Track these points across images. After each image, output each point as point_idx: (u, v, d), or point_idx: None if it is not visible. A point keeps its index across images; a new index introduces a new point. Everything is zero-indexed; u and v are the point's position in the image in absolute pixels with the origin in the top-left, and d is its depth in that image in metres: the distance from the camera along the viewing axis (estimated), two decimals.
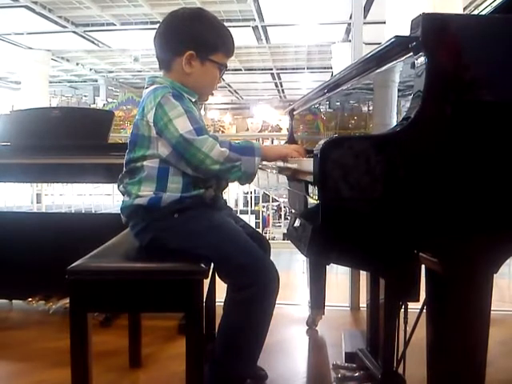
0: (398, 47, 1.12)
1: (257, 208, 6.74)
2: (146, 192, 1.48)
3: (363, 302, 2.53)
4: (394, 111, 1.26)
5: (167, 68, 1.57)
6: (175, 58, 1.54)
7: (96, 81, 17.65)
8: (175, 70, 1.55)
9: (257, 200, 7.02)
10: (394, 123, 1.18)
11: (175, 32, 1.56)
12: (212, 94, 1.68)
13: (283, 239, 5.90)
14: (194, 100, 1.56)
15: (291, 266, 3.85)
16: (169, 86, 1.49)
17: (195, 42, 1.53)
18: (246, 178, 1.46)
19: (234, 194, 6.97)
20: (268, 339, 1.46)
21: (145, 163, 1.48)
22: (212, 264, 1.43)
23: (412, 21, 1.03)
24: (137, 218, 1.51)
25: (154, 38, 1.59)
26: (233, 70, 14.79)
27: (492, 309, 1.05)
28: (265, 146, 1.57)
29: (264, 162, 1.67)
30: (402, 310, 1.41)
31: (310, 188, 1.24)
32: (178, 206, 1.47)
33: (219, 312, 1.53)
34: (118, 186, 1.58)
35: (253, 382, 1.64)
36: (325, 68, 14.53)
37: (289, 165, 1.46)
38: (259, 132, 17.33)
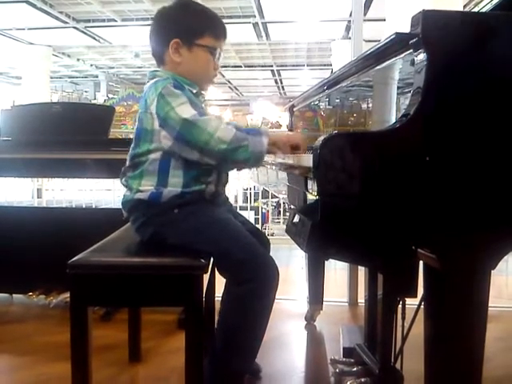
0: (397, 44, 1.13)
1: (256, 204, 6.74)
2: (147, 187, 1.48)
3: (361, 298, 2.53)
4: (393, 108, 1.27)
5: (161, 62, 1.58)
6: (165, 50, 1.54)
7: (97, 76, 17.62)
8: (168, 63, 1.56)
9: (256, 196, 7.02)
10: (394, 120, 1.18)
11: (161, 25, 1.58)
12: (212, 82, 1.66)
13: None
14: (194, 91, 1.55)
15: (290, 262, 3.86)
16: (170, 78, 1.49)
17: (179, 29, 1.53)
18: (255, 159, 1.41)
19: (233, 189, 6.98)
20: (266, 334, 1.46)
21: (149, 156, 1.48)
22: (212, 259, 1.44)
23: (412, 17, 1.04)
24: (137, 213, 1.51)
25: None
26: (233, 66, 14.77)
27: (489, 305, 1.06)
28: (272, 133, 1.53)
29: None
30: (400, 305, 1.42)
31: (310, 184, 1.25)
32: (178, 201, 1.47)
33: (218, 307, 1.53)
34: (121, 179, 1.58)
35: (248, 376, 1.65)
36: (325, 65, 14.51)
37: (288, 160, 1.47)
38: None
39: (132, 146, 1.53)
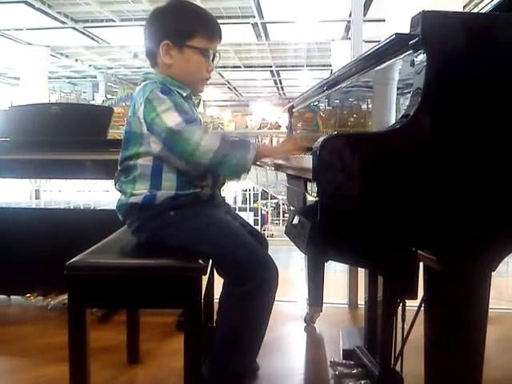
0: (397, 45, 1.12)
1: (255, 205, 6.74)
2: (141, 190, 1.48)
3: (361, 300, 2.52)
4: (393, 109, 1.26)
5: (154, 64, 1.57)
6: (157, 52, 1.53)
7: (95, 77, 17.61)
8: (160, 65, 1.55)
9: (255, 197, 7.02)
10: (393, 121, 1.18)
11: (152, 26, 1.57)
12: (206, 84, 1.64)
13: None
14: (185, 94, 1.53)
15: (290, 263, 3.85)
16: (158, 82, 1.48)
17: (169, 31, 1.52)
18: (238, 172, 1.44)
19: (232, 191, 6.98)
20: (266, 336, 1.46)
21: (138, 161, 1.48)
22: (210, 260, 1.44)
23: (412, 18, 1.03)
24: (133, 217, 1.51)
25: None
26: (232, 67, 14.78)
27: (490, 307, 1.05)
28: (262, 144, 1.56)
29: (264, 159, 1.66)
30: (400, 307, 1.41)
31: (309, 185, 1.24)
32: (172, 204, 1.47)
33: (218, 308, 1.53)
34: (115, 185, 1.58)
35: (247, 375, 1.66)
36: (324, 65, 14.52)
37: (288, 162, 1.46)
38: (258, 129, 17.32)
39: (121, 148, 1.52)
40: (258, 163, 1.68)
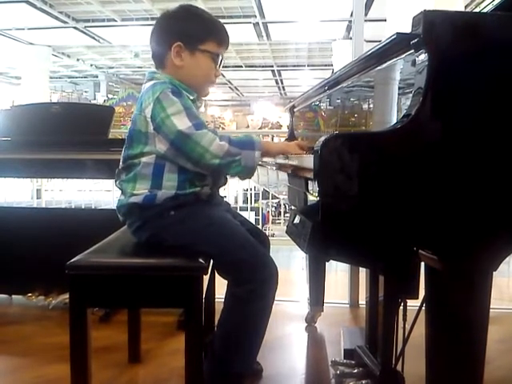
0: (399, 44, 1.12)
1: (256, 205, 6.74)
2: (141, 190, 1.47)
3: (362, 299, 2.54)
4: (394, 108, 1.26)
5: (161, 65, 1.57)
6: (166, 53, 1.54)
7: (96, 76, 17.61)
8: (169, 66, 1.55)
9: (256, 197, 7.02)
10: (395, 120, 1.18)
11: (163, 28, 1.58)
12: (211, 86, 1.65)
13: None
14: (192, 98, 1.54)
15: (291, 263, 3.85)
16: (168, 82, 1.48)
17: (182, 33, 1.53)
18: (247, 172, 1.46)
19: (233, 190, 6.98)
20: (267, 335, 1.46)
21: (142, 159, 1.47)
22: (211, 260, 1.44)
23: (413, 18, 1.03)
24: (133, 217, 1.51)
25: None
26: (233, 66, 14.77)
27: (491, 307, 1.05)
28: (266, 141, 1.57)
29: (264, 159, 1.67)
30: (401, 306, 1.41)
31: (310, 185, 1.24)
32: (173, 203, 1.47)
33: (218, 308, 1.53)
34: (115, 182, 1.58)
35: (249, 377, 1.65)
36: (325, 65, 14.51)
37: (289, 161, 1.46)
38: (259, 129, 17.35)
39: (125, 146, 1.52)
40: (260, 163, 1.68)
